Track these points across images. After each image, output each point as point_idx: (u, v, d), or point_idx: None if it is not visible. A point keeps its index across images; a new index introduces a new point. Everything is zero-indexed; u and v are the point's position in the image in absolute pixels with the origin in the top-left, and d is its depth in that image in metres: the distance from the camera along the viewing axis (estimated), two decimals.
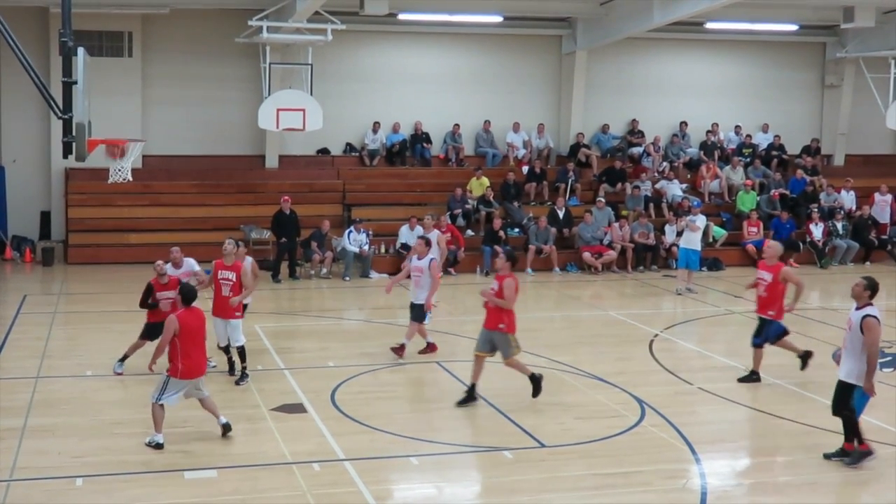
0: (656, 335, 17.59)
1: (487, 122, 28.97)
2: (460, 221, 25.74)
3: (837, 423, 11.00)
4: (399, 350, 15.36)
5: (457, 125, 28.84)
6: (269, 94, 24.80)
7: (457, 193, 26.29)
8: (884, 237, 27.95)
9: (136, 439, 11.20)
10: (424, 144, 28.32)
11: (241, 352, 13.98)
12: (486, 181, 26.90)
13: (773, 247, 13.91)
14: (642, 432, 11.91)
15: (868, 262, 26.43)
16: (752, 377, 14.06)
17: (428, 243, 15.77)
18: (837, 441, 11.03)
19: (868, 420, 11.05)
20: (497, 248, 21.45)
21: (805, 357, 14.23)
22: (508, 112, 29.10)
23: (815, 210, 27.13)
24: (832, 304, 20.32)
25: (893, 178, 30.49)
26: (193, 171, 27.33)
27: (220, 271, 14.11)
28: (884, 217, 28.50)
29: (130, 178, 15.66)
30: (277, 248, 24.02)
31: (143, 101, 27.17)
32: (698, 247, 22.10)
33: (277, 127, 24.59)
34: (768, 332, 13.92)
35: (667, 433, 11.82)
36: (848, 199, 28.62)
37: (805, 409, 12.91)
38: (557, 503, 9.70)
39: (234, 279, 13.95)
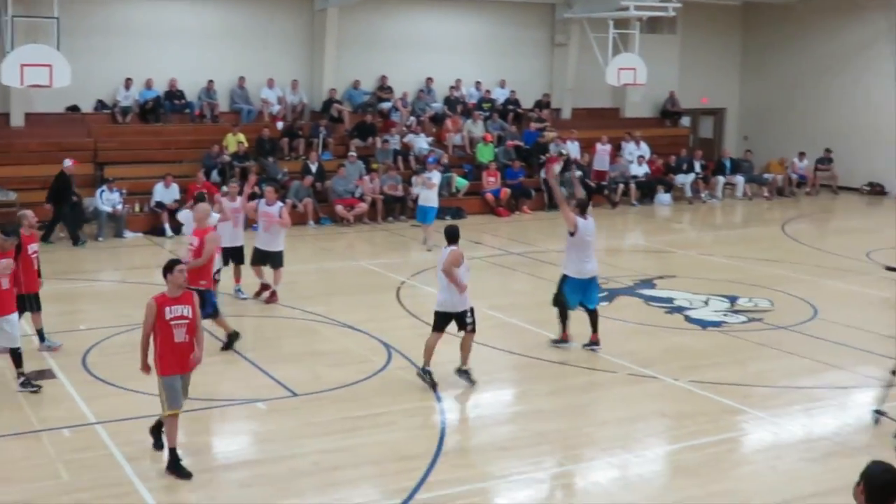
0: (403, 282, 17.70)
1: (242, 79, 27.80)
2: (215, 177, 24.65)
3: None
4: (271, 297, 15.41)
5: (211, 81, 27.50)
6: (12, 49, 22.85)
7: (213, 150, 25.29)
8: (603, 183, 28.69)
9: None
10: (178, 101, 26.88)
11: None
12: (241, 137, 25.79)
13: (201, 209, 13.15)
14: (389, 375, 12.12)
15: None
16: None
17: (277, 190, 15.94)
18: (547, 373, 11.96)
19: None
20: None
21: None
22: (262, 68, 28.01)
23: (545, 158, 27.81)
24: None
25: (612, 130, 31.25)
26: None
27: None
28: (603, 165, 29.21)
29: None
30: (55, 212, 22.42)
31: None
32: (435, 203, 22.25)
33: (22, 83, 22.87)
34: None
35: (411, 375, 11.99)
36: (574, 148, 29.17)
37: (526, 340, 13.54)
38: (310, 448, 9.77)
39: None
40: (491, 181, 26.88)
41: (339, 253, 20.78)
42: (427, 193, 21.10)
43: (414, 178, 23.13)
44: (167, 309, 8.63)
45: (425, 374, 11.05)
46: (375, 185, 25.07)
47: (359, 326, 14.08)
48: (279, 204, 15.17)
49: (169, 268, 8.69)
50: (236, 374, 12.03)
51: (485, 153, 28.07)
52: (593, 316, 12.51)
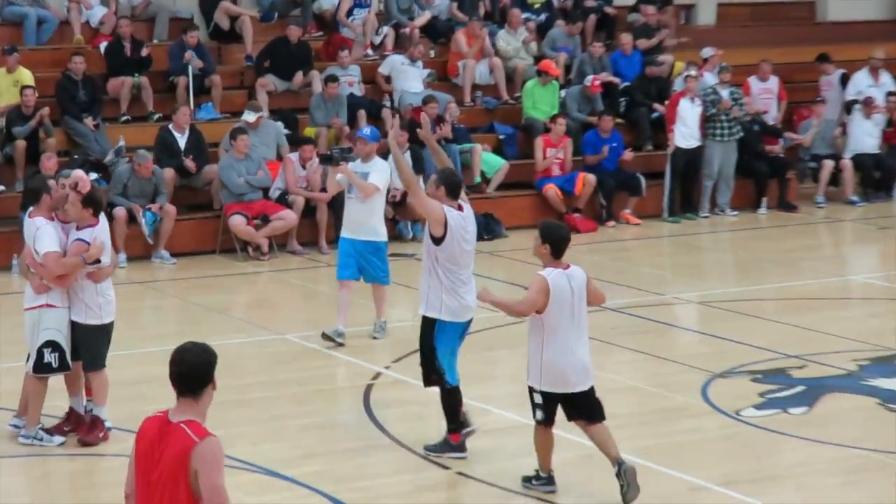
0: None
1: None
2: None
3: None
4: None
5: None
6: None
7: None
8: (779, 154, 22.14)
9: None
10: None
11: None
12: (24, 75, 19.38)
13: None
14: None
15: None
16: None
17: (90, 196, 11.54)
18: None
19: None
20: None
21: None
22: None
23: None
24: None
25: (800, 48, 25.02)
26: None
27: None
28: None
29: None
30: None
31: None
32: (377, 231, 15.36)
33: None
34: None
35: None
36: (725, 94, 21.54)
37: None
38: None
39: None
40: (556, 159, 20.05)
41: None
42: (355, 208, 13.74)
43: (328, 168, 14.94)
44: None
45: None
46: (313, 170, 18.22)
47: None
48: (95, 227, 10.30)
49: None
50: None
51: (541, 100, 21.06)
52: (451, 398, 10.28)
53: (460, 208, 9.99)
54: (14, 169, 17.48)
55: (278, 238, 17.27)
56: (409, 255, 17.00)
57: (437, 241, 10.08)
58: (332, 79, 18.99)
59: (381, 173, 13.37)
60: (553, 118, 19.49)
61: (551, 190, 19.00)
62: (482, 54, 20.86)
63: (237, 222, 16.57)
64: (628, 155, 19.15)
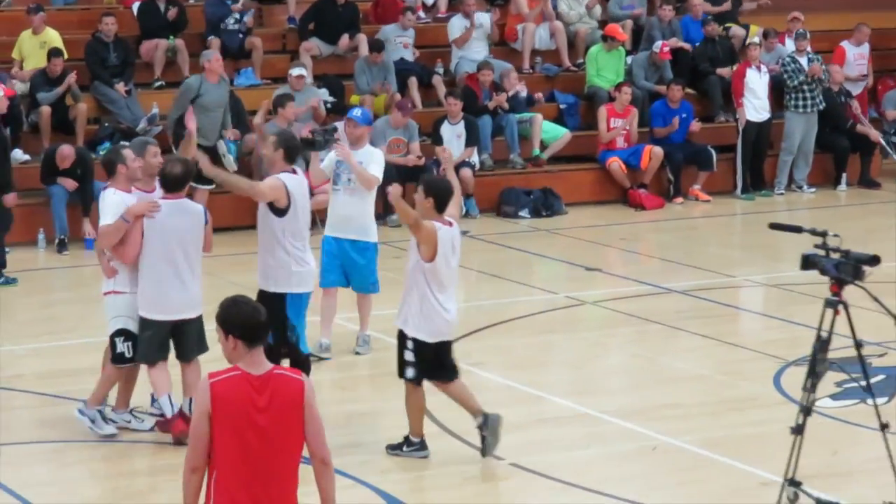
0: None
1: None
2: None
3: None
4: None
5: None
6: None
7: None
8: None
9: None
10: None
11: None
12: (51, 35, 19.45)
13: None
14: None
15: None
16: None
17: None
18: None
19: None
20: None
21: None
22: None
23: None
24: None
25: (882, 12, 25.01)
26: None
27: None
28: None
29: None
30: None
31: None
32: (367, 232, 15.58)
33: None
34: None
35: None
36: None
37: None
38: None
39: None
40: (622, 131, 20.29)
41: None
42: (343, 202, 12.97)
43: (310, 154, 13.49)
44: None
45: None
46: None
47: None
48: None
49: None
50: None
51: (605, 67, 21.44)
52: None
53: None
54: (40, 137, 17.61)
55: (321, 213, 17.18)
56: (462, 233, 16.75)
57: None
58: (377, 46, 19.07)
59: (377, 164, 12.63)
60: (618, 86, 19.61)
61: (615, 163, 19.17)
62: (543, 18, 20.82)
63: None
64: (696, 126, 19.16)
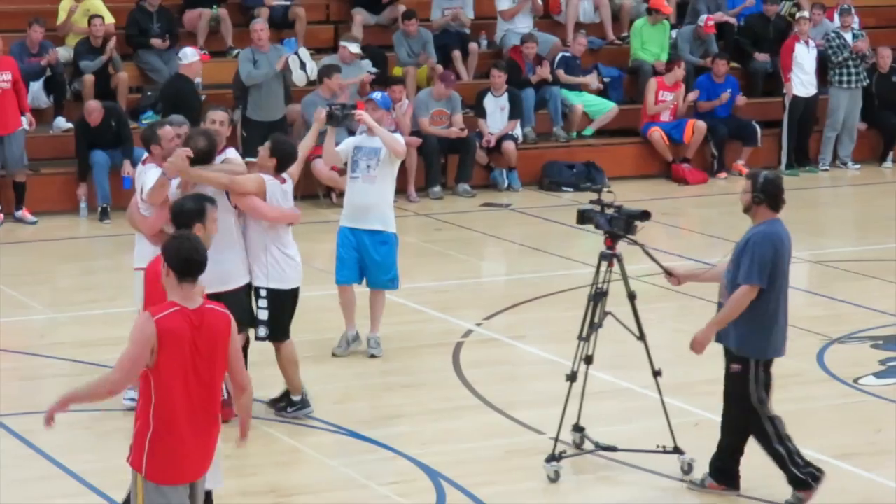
0: None
1: None
2: (40, 95, 19.07)
3: None
4: None
5: None
6: None
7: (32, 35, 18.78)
8: None
9: None
10: None
11: None
12: (96, 2, 19.49)
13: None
14: None
15: None
16: None
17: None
18: None
19: None
20: None
21: None
22: None
23: None
24: None
25: None
26: None
27: None
28: None
29: None
30: None
31: None
32: (385, 220, 15.22)
33: None
34: None
35: None
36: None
37: None
38: None
39: None
40: (666, 102, 20.19)
41: None
42: (360, 190, 12.13)
43: (326, 129, 12.83)
44: None
45: None
46: (402, 112, 17.93)
47: None
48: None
49: None
50: None
51: (650, 41, 21.25)
52: None
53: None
54: (83, 105, 17.38)
55: (331, 189, 16.67)
56: (504, 205, 17.01)
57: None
58: (408, 15, 18.97)
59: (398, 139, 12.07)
60: (672, 62, 19.48)
61: (656, 132, 19.17)
62: None
63: (321, 167, 16.47)
64: (741, 100, 18.97)
